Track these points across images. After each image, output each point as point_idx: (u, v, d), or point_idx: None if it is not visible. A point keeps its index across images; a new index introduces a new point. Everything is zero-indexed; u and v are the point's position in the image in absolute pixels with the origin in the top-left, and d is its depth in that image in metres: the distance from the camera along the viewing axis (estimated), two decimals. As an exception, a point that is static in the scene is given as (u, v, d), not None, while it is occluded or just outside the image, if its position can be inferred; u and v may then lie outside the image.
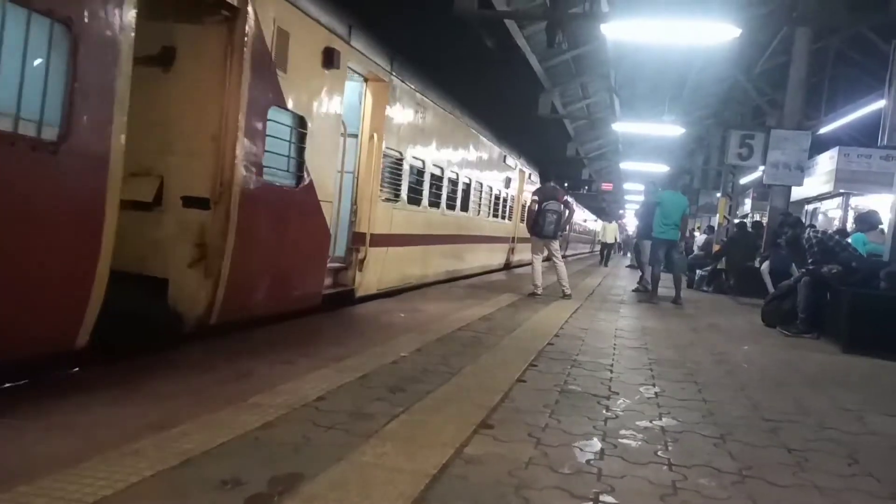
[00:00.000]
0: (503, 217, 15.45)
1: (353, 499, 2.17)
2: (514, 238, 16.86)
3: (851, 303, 6.58)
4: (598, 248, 44.28)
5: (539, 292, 9.04)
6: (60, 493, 2.05)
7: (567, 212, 9.23)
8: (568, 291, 9.14)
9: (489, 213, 14.09)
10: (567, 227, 10.14)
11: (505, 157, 15.00)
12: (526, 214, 10.87)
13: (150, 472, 2.26)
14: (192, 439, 2.58)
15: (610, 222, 26.74)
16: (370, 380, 3.75)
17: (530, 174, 17.69)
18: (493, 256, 15.36)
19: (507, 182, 15.48)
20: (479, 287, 10.16)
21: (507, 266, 16.65)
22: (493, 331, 5.82)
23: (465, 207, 11.96)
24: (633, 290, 11.32)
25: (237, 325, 4.95)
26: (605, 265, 21.27)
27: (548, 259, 9.61)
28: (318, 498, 2.15)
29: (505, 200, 15.39)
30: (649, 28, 8.26)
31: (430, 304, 7.61)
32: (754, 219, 16.72)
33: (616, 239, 25.73)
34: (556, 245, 9.29)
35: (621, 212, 24.54)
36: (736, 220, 17.18)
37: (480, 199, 13.17)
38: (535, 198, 9.23)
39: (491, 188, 14.00)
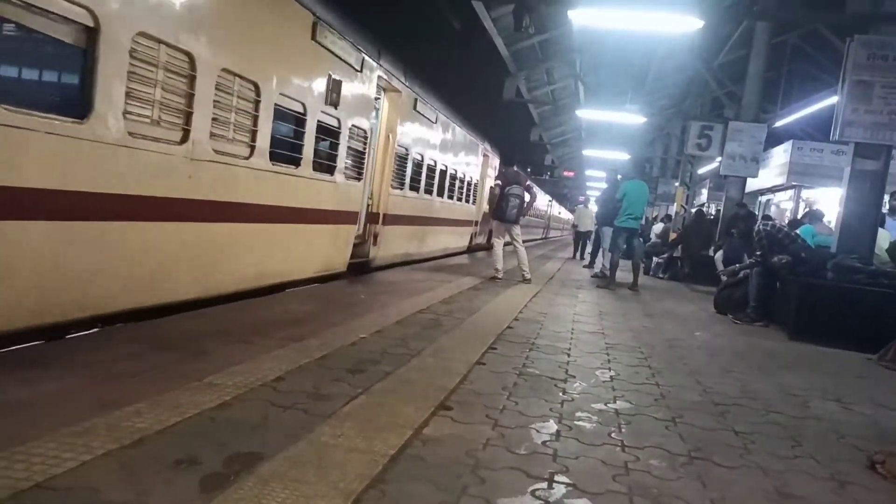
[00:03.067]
0: (468, 201, 15.71)
1: (310, 478, 2.17)
2: (476, 222, 17.09)
3: (800, 292, 6.81)
4: (556, 233, 44.64)
5: (500, 276, 9.11)
6: (6, 473, 2.00)
7: (529, 197, 9.29)
8: (528, 276, 9.23)
9: (459, 198, 14.48)
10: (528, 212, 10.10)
11: (472, 140, 15.11)
12: (488, 199, 11.01)
13: (102, 450, 2.21)
14: (146, 418, 2.54)
15: (586, 206, 20.44)
16: (329, 360, 3.74)
17: (492, 157, 17.76)
18: (459, 239, 15.75)
19: (474, 164, 15.74)
20: (443, 269, 10.18)
21: (469, 249, 16.74)
22: (454, 313, 5.85)
23: (441, 192, 12.78)
24: (591, 276, 11.50)
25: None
26: (581, 257, 16.93)
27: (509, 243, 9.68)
28: (276, 477, 2.15)
29: (470, 184, 15.57)
30: (615, 16, 8.32)
31: (398, 282, 7.61)
32: (707, 208, 17.10)
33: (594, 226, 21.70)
34: (517, 230, 9.36)
35: (582, 198, 23.74)
36: (693, 209, 17.57)
37: (453, 184, 13.80)
38: (499, 182, 9.26)
39: (463, 174, 14.49)
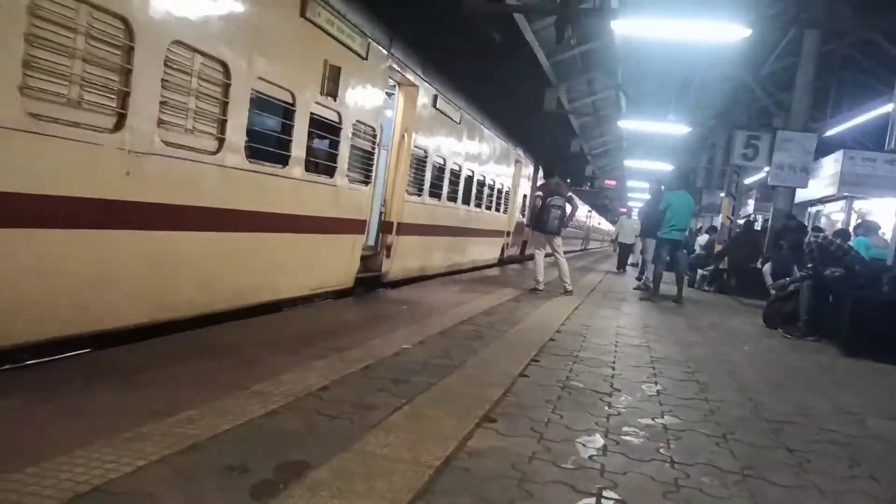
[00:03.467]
0: (499, 210, 14.86)
1: (358, 488, 2.18)
2: (508, 232, 16.22)
3: (853, 306, 6.59)
4: (596, 245, 43.96)
5: (541, 288, 9.05)
6: (68, 475, 2.06)
7: (570, 207, 9.22)
8: (570, 287, 9.14)
9: (489, 206, 13.71)
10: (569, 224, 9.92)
11: (503, 146, 14.34)
12: (528, 210, 10.85)
13: (157, 456, 2.27)
14: (198, 425, 2.59)
15: (629, 217, 20.32)
16: (373, 371, 3.76)
17: (525, 163, 17.06)
18: (489, 251, 14.91)
19: (505, 173, 14.97)
20: (479, 282, 10.16)
21: (501, 262, 15.79)
22: (495, 325, 5.83)
23: (466, 200, 11.94)
24: (634, 289, 11.32)
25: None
26: (623, 269, 16.96)
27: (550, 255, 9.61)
28: (324, 486, 2.16)
29: (501, 192, 14.67)
30: (658, 26, 8.23)
31: (434, 295, 7.62)
32: (756, 219, 16.69)
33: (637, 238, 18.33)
34: (558, 241, 9.29)
35: (624, 209, 23.17)
36: (741, 220, 17.18)
37: (481, 191, 12.93)
38: (540, 193, 9.22)
39: (493, 180, 13.65)
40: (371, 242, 8.13)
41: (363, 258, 7.77)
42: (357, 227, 7.31)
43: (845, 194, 14.01)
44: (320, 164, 6.42)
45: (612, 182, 37.89)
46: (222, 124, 4.80)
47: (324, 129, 6.29)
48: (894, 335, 6.15)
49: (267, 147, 5.47)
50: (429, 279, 9.98)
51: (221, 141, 4.79)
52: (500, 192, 14.57)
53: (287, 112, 5.65)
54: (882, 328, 6.28)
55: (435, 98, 9.37)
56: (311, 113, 5.96)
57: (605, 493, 2.39)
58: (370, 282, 8.27)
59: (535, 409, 3.37)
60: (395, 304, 6.90)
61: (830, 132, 14.48)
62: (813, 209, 17.00)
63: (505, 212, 15.49)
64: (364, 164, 7.30)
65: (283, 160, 5.67)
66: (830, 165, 14.15)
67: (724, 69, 16.06)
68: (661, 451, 2.94)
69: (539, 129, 21.37)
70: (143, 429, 2.50)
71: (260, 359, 3.79)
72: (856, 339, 6.41)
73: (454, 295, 7.92)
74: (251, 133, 5.17)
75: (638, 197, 36.57)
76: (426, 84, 8.94)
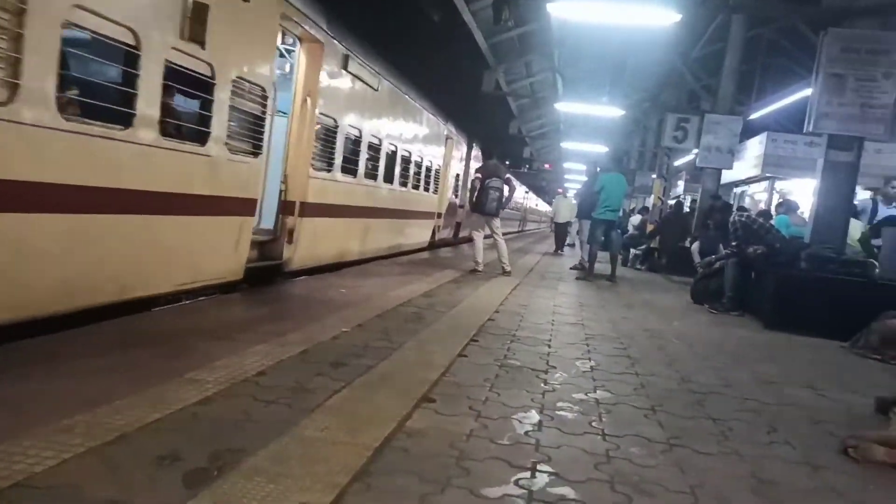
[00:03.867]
0: (428, 190, 13.84)
1: (295, 472, 2.17)
2: (439, 214, 15.27)
3: (774, 282, 6.94)
4: (533, 226, 44.60)
5: (480, 269, 9.14)
6: (-14, 471, 1.97)
7: (508, 189, 9.32)
8: (508, 268, 9.27)
9: (416, 186, 12.70)
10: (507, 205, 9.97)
11: (432, 121, 13.37)
12: (467, 191, 10.86)
13: (83, 448, 2.19)
14: (127, 415, 2.52)
15: (565, 196, 19.51)
16: (311, 355, 3.73)
17: (458, 141, 16.20)
18: (419, 234, 13.82)
19: (435, 150, 14.03)
20: (419, 263, 10.18)
21: (432, 245, 14.79)
22: (435, 307, 5.87)
23: (389, 178, 10.95)
24: (570, 268, 11.58)
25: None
26: (561, 251, 16.80)
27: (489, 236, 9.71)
28: (260, 472, 2.15)
29: (430, 171, 13.67)
30: (593, 9, 8.36)
31: (369, 279, 7.59)
32: (687, 200, 17.29)
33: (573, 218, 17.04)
34: (497, 222, 9.39)
35: (560, 190, 23.58)
36: (671, 201, 17.76)
37: (407, 169, 11.93)
38: (478, 175, 9.29)
39: (421, 158, 12.72)
40: (270, 226, 7.17)
41: (258, 244, 6.86)
42: (243, 207, 6.13)
43: (768, 175, 14.70)
44: (185, 128, 5.21)
45: (549, 165, 38.45)
46: (15, 64, 3.59)
47: (189, 83, 5.08)
48: (812, 309, 6.51)
49: (99, 101, 4.30)
50: (350, 266, 9.02)
51: (14, 87, 3.60)
52: (429, 170, 13.46)
53: (129, 57, 4.46)
54: (801, 302, 6.64)
55: (346, 59, 8.14)
56: (168, 61, 4.77)
57: (539, 467, 2.46)
58: (270, 272, 7.24)
59: (474, 387, 3.42)
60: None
61: (755, 115, 15.09)
62: (738, 189, 17.75)
63: (435, 192, 14.47)
64: (252, 132, 6.15)
65: (125, 119, 4.44)
66: (755, 147, 14.79)
67: (656, 53, 16.45)
68: (594, 424, 3.04)
69: (476, 110, 21.42)
70: (69, 420, 2.40)
71: (194, 345, 3.70)
72: (776, 314, 6.75)
73: (394, 277, 7.91)
74: (69, 81, 4.07)
75: (575, 178, 37.28)
76: (334, 42, 7.75)
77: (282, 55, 7.66)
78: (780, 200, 11.91)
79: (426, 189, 13.48)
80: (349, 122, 8.70)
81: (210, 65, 5.24)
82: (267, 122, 6.41)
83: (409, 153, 11.84)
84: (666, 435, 2.98)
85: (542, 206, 48.71)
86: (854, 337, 5.89)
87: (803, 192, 12.40)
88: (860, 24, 7.05)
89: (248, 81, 5.92)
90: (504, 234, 10.01)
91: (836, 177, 7.23)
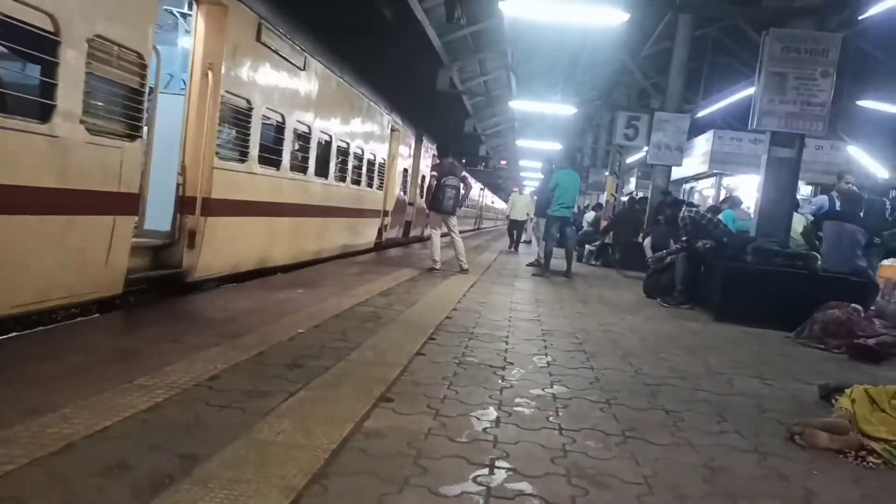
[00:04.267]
0: (372, 185, 12.60)
1: (249, 477, 2.13)
2: (386, 212, 14.07)
3: (722, 275, 7.13)
4: (490, 224, 44.89)
5: (437, 267, 9.15)
6: (-80, 488, 1.88)
7: (465, 188, 9.35)
8: (465, 266, 9.30)
9: (356, 181, 11.41)
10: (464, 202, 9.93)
11: (374, 110, 12.11)
12: (425, 190, 10.69)
13: (27, 459, 2.11)
14: (74, 423, 2.43)
15: (521, 192, 19.13)
16: (266, 357, 3.67)
17: (405, 133, 15.20)
18: (361, 234, 12.46)
19: (380, 143, 12.84)
20: (377, 262, 10.13)
21: (378, 246, 13.60)
22: (392, 306, 5.84)
23: (323, 172, 9.68)
24: (527, 265, 11.68)
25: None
26: (515, 249, 16.48)
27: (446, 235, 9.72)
28: (213, 478, 2.10)
29: (373, 164, 12.42)
30: (544, 8, 8.45)
31: (326, 281, 7.51)
32: (638, 196, 17.65)
33: (529, 215, 16.82)
34: (454, 221, 9.40)
35: (517, 188, 23.71)
36: (624, 197, 18.09)
37: (347, 162, 10.71)
38: (434, 173, 9.29)
39: (361, 150, 11.45)
40: (166, 228, 6.09)
41: (150, 250, 5.90)
42: (116, 203, 4.91)
43: (715, 171, 15.11)
44: (10, 97, 4.13)
45: (504, 162, 38.73)
46: None
47: (15, 39, 3.97)
48: (758, 301, 6.72)
49: None
50: (277, 272, 8.12)
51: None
52: (371, 164, 12.17)
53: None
54: (747, 295, 6.84)
55: (259, 28, 6.95)
56: None
57: (497, 464, 2.48)
58: (164, 283, 6.16)
59: (431, 386, 3.42)
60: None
61: (702, 113, 15.48)
62: (688, 186, 18.20)
63: (380, 188, 13.24)
64: (125, 109, 4.97)
65: None
66: (702, 144, 15.18)
67: (606, 52, 16.73)
68: (551, 419, 3.07)
69: (431, 107, 21.38)
70: (11, 430, 2.31)
71: (143, 349, 3.60)
72: (725, 306, 6.95)
73: (350, 277, 7.84)
74: None
75: (531, 177, 37.67)
76: (243, 6, 6.62)
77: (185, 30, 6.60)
78: (726, 196, 12.27)
79: (369, 185, 12.19)
80: (268, 105, 7.38)
81: (52, 17, 4.07)
82: (149, 99, 5.32)
83: (347, 144, 10.54)
84: (621, 427, 3.03)
85: (499, 204, 48.99)
86: (798, 328, 6.11)
87: (749, 188, 12.79)
88: (798, 24, 7.31)
89: (116, 44, 4.72)
90: (460, 231, 9.98)
91: (779, 172, 7.48)
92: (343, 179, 10.60)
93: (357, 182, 11.36)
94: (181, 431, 2.49)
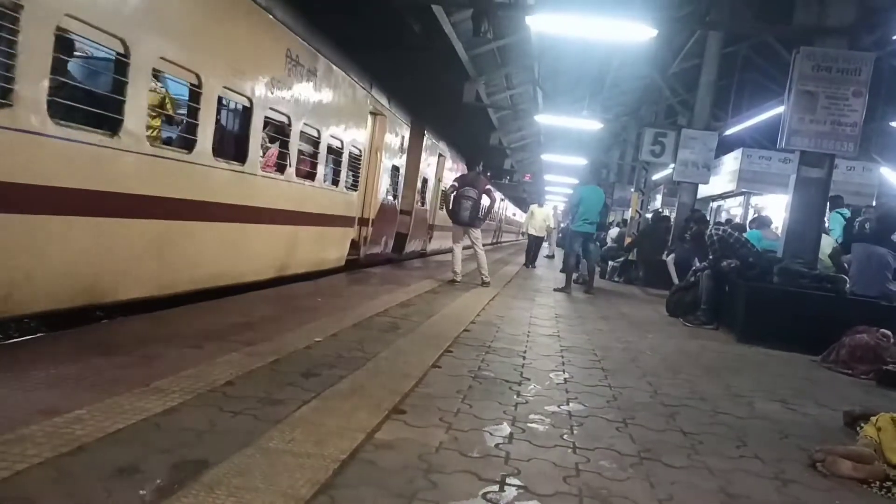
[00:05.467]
0: (341, 185, 9.16)
1: (258, 485, 2.12)
2: (368, 220, 10.76)
3: (747, 296, 7.00)
4: (516, 238, 44.43)
5: (458, 279, 9.13)
6: (-66, 484, 1.90)
7: (487, 199, 9.32)
8: (487, 279, 9.27)
9: (310, 175, 8.09)
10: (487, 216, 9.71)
11: (342, 80, 8.81)
12: (445, 202, 10.49)
13: (39, 459, 2.13)
14: (88, 425, 2.45)
15: (540, 205, 16.40)
16: (282, 365, 3.68)
17: (393, 120, 11.45)
18: (322, 248, 8.99)
19: (352, 127, 9.35)
20: (396, 273, 10.14)
21: (355, 264, 10.22)
22: (410, 317, 5.83)
23: (251, 156, 6.51)
24: (575, 281, 11.14)
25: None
26: (533, 265, 15.11)
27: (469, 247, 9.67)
28: (221, 484, 2.10)
29: (339, 153, 8.92)
30: (571, 23, 8.43)
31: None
32: (662, 212, 17.46)
33: (553, 229, 15.74)
34: (476, 233, 9.38)
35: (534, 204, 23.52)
36: (649, 214, 17.92)
37: (291, 146, 7.39)
38: (455, 184, 9.29)
39: (318, 131, 8.08)
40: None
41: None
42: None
43: (743, 190, 14.90)
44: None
45: (529, 176, 38.67)
46: None
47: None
48: (784, 323, 6.58)
49: None
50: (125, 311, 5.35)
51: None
52: (336, 153, 8.83)
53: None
54: (772, 316, 6.70)
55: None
56: None
57: (508, 480, 2.44)
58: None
59: (446, 399, 3.39)
60: (303, 298, 6.40)
61: (731, 131, 15.31)
62: (714, 204, 17.96)
63: (354, 188, 9.72)
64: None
65: None
66: (731, 163, 14.99)
67: (634, 68, 16.67)
68: (565, 437, 3.03)
69: (459, 122, 21.40)
70: (26, 430, 2.34)
71: (162, 353, 3.63)
72: (749, 327, 6.82)
73: (370, 287, 7.84)
74: None
75: (556, 191, 37.52)
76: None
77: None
78: (755, 216, 12.07)
79: (334, 182, 8.92)
80: (153, 50, 4.85)
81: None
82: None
83: (288, 119, 7.23)
84: (637, 448, 2.97)
85: (522, 217, 48.69)
86: (825, 351, 5.96)
87: (779, 208, 12.58)
88: (829, 43, 7.19)
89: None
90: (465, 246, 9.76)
91: (808, 193, 7.33)
92: (280, 169, 7.26)
93: (310, 176, 8.07)
94: (193, 436, 2.49)
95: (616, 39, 9.90)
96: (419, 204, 14.19)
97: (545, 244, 17.61)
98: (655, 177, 20.26)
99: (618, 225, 18.96)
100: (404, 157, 12.80)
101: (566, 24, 8.44)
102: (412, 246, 14.24)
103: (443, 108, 18.32)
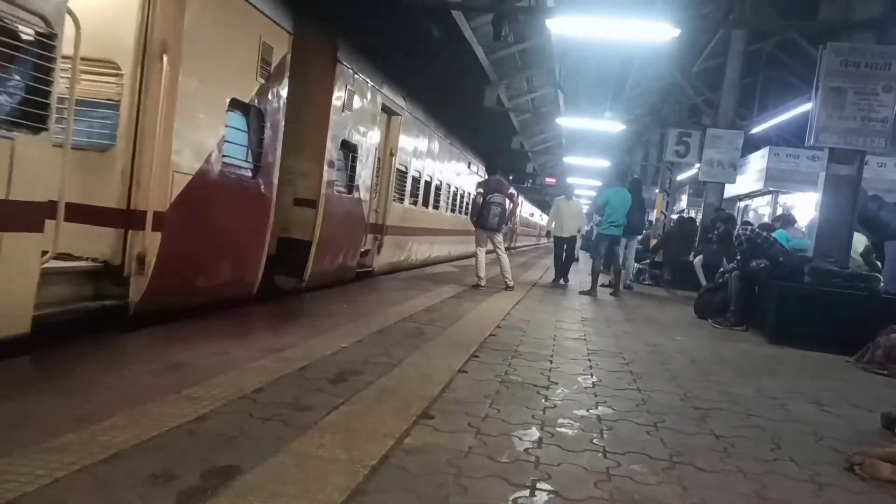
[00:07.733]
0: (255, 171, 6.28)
1: (290, 491, 2.14)
2: (380, 225, 9.75)
3: (778, 296, 6.89)
4: (530, 241, 42.79)
5: (482, 284, 9.12)
6: (-23, 491, 1.95)
7: (511, 205, 9.31)
8: (511, 283, 9.24)
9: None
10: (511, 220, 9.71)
11: (350, 72, 7.48)
12: (470, 207, 10.46)
13: (76, 466, 2.17)
14: (122, 432, 2.49)
15: (568, 199, 12.18)
16: (310, 371, 3.71)
17: (385, 95, 9.02)
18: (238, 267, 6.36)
19: (358, 121, 8.00)
20: (421, 279, 10.16)
21: (364, 270, 9.25)
22: (436, 322, 5.84)
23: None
24: (602, 286, 10.56)
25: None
26: (565, 279, 11.58)
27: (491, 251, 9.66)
28: (254, 490, 2.12)
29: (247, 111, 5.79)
30: (592, 25, 8.40)
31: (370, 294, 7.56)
32: (688, 214, 17.28)
33: (581, 231, 12.90)
34: (499, 238, 9.37)
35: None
36: (674, 215, 17.74)
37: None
38: (480, 190, 9.29)
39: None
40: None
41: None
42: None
43: (771, 189, 14.67)
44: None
45: (553, 179, 38.48)
46: None
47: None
48: (816, 323, 6.46)
49: None
50: None
51: None
52: (243, 110, 5.75)
53: None
54: (804, 317, 6.58)
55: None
56: None
57: (538, 486, 2.43)
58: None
59: (473, 404, 3.38)
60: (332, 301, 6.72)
61: (756, 129, 15.09)
62: (741, 203, 17.71)
63: (256, 174, 6.09)
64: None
65: None
66: (757, 161, 14.78)
67: (656, 68, 16.54)
68: (595, 441, 3.00)
69: (480, 126, 21.38)
70: (64, 438, 2.38)
71: (192, 361, 3.68)
72: (780, 328, 6.70)
73: (396, 292, 7.87)
74: None
75: (579, 194, 37.29)
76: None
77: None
78: (778, 215, 11.88)
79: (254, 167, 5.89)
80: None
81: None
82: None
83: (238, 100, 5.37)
84: (668, 452, 2.94)
85: (538, 220, 48.08)
86: (859, 352, 5.84)
87: (807, 206, 12.37)
88: (856, 38, 7.07)
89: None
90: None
91: (839, 190, 7.21)
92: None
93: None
94: (225, 442, 2.52)
95: (637, 40, 9.83)
96: (394, 200, 10.30)
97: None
98: (680, 177, 20.06)
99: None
100: (375, 133, 8.83)
101: (587, 26, 8.42)
102: (325, 263, 7.67)
103: (462, 111, 18.25)
